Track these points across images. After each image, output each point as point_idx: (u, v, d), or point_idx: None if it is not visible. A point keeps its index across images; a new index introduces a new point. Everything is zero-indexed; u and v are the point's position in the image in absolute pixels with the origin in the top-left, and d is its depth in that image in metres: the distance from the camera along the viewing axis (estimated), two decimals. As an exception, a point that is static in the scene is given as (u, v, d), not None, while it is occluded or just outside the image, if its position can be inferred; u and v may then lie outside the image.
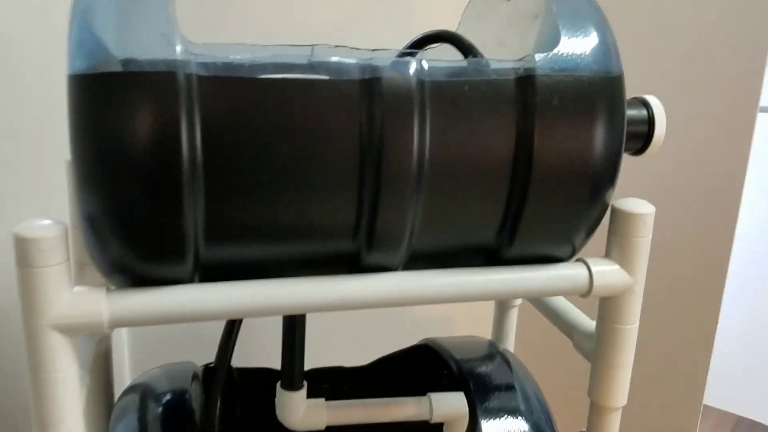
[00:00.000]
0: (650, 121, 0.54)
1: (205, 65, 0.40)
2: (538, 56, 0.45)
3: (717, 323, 0.94)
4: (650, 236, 0.50)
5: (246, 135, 0.40)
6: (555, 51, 0.45)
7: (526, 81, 0.44)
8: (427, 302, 0.46)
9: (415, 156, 0.43)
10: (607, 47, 0.46)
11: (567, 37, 0.46)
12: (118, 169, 0.39)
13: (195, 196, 0.40)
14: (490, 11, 0.62)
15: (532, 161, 0.44)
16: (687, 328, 0.97)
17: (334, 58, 0.42)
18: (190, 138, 0.39)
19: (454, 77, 0.44)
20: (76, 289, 0.41)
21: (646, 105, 0.55)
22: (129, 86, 0.38)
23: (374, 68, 0.42)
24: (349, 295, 0.45)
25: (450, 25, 0.62)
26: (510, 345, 0.75)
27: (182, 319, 0.42)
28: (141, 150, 0.39)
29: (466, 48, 0.58)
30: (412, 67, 0.43)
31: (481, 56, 0.57)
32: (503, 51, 0.64)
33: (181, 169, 0.39)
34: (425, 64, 0.43)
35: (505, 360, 0.66)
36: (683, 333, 0.98)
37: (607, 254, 0.51)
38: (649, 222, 0.49)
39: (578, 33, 0.46)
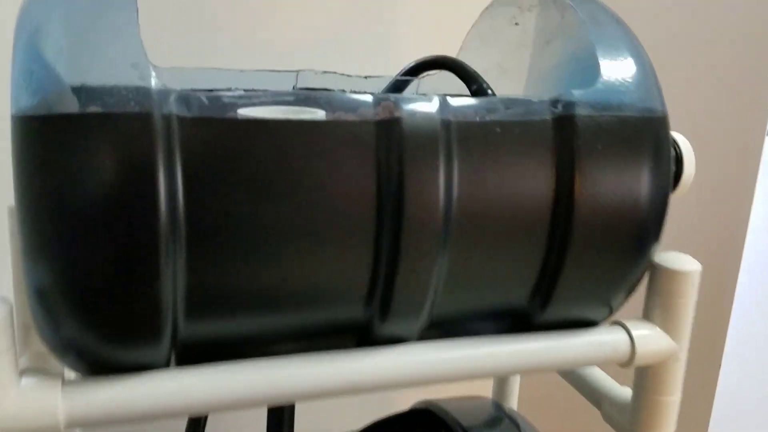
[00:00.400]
0: (678, 161, 0.48)
1: (187, 103, 0.32)
2: (577, 92, 0.38)
3: (720, 363, 0.89)
4: (696, 296, 0.44)
5: (240, 188, 0.33)
6: (595, 87, 0.39)
7: (565, 122, 0.38)
8: (454, 379, 0.39)
9: (441, 209, 0.36)
10: (650, 83, 0.41)
11: (608, 71, 0.39)
12: (78, 231, 0.31)
13: (175, 260, 0.33)
14: (495, 35, 0.55)
15: (572, 213, 0.38)
16: (690, 366, 0.92)
17: (350, 95, 0.35)
18: (170, 192, 0.32)
19: (483, 117, 0.37)
20: (24, 382, 0.33)
21: (673, 144, 0.49)
22: (91, 132, 0.30)
23: (392, 106, 0.35)
24: (363, 377, 0.37)
25: (431, 46, 0.56)
26: (513, 403, 0.68)
27: (159, 416, 0.34)
28: (107, 208, 0.31)
29: (469, 77, 0.52)
30: (436, 105, 0.36)
31: (488, 86, 0.51)
32: (506, 78, 0.58)
33: (158, 229, 0.32)
34: (451, 102, 0.37)
35: (516, 424, 0.59)
36: (687, 371, 0.93)
37: (646, 316, 0.45)
38: (696, 281, 0.43)
39: (619, 66, 0.40)
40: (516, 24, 0.53)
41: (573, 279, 0.39)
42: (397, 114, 0.35)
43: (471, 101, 0.37)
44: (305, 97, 0.35)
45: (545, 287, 0.40)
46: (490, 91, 0.52)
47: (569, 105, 0.38)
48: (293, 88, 0.53)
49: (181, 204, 0.32)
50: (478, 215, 0.37)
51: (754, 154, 0.80)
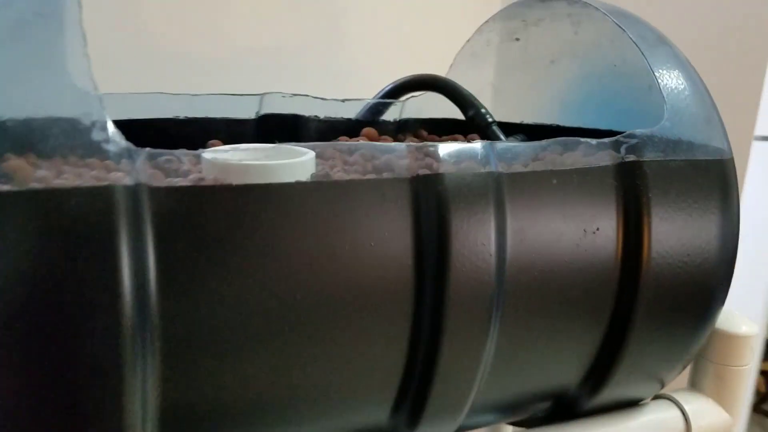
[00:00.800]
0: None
1: (161, 166, 0.23)
2: (641, 132, 0.31)
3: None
4: (752, 364, 0.38)
5: (238, 274, 0.24)
6: (662, 126, 0.32)
7: (631, 168, 0.30)
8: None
9: (492, 283, 0.27)
10: (714, 117, 0.34)
11: (674, 105, 0.32)
12: (11, 342, 0.21)
13: (144, 375, 0.23)
14: (491, 52, 0.48)
15: (640, 279, 0.31)
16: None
17: (378, 144, 0.26)
18: (139, 290, 0.22)
19: (536, 165, 0.29)
20: None
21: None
22: (24, 216, 0.20)
23: (429, 157, 0.27)
24: None
25: (408, 64, 0.47)
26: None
27: None
28: (45, 312, 0.21)
29: (465, 101, 0.45)
30: (482, 153, 0.28)
31: (486, 111, 0.44)
32: (499, 100, 0.51)
33: (122, 336, 0.22)
34: (498, 148, 0.28)
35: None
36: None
37: (695, 385, 0.38)
38: (755, 346, 0.37)
39: (684, 97, 0.33)
40: (517, 39, 0.46)
41: (636, 354, 0.32)
42: (436, 167, 0.27)
43: (520, 147, 0.29)
44: (322, 149, 0.25)
45: (602, 366, 0.32)
46: (490, 118, 0.45)
47: (635, 148, 0.31)
48: (257, 114, 0.44)
49: (154, 302, 0.23)
50: (533, 287, 0.29)
51: (740, 159, 0.77)
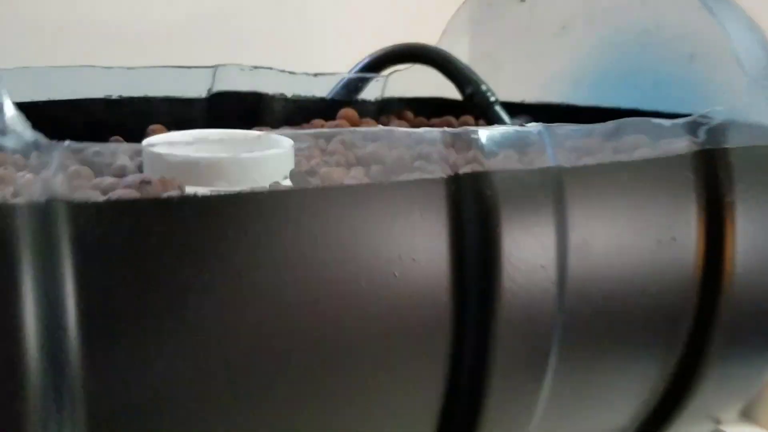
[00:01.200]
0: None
1: (85, 172, 0.15)
2: (721, 111, 0.24)
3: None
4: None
5: (208, 324, 0.16)
6: (744, 103, 0.25)
7: (712, 158, 0.24)
8: None
9: (552, 315, 0.20)
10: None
11: (755, 80, 0.26)
12: None
13: None
14: (493, 18, 0.41)
15: (719, 300, 0.24)
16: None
17: (404, 130, 0.19)
18: (52, 349, 0.14)
19: (602, 156, 0.22)
20: None
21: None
22: None
23: (474, 148, 0.19)
24: None
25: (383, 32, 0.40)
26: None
27: None
28: None
29: (462, 76, 0.38)
30: (539, 143, 0.20)
31: (488, 88, 0.38)
32: (500, 74, 0.43)
33: (25, 415, 0.14)
34: (558, 135, 0.21)
35: None
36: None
37: (748, 414, 0.32)
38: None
39: (763, 70, 0.26)
40: (522, 1, 0.39)
41: (706, 392, 0.26)
42: (482, 163, 0.19)
43: (578, 131, 0.22)
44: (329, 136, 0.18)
45: (665, 409, 0.26)
46: (492, 97, 0.38)
47: (717, 131, 0.24)
48: (208, 91, 0.36)
49: (76, 365, 0.15)
50: (596, 319, 0.22)
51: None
